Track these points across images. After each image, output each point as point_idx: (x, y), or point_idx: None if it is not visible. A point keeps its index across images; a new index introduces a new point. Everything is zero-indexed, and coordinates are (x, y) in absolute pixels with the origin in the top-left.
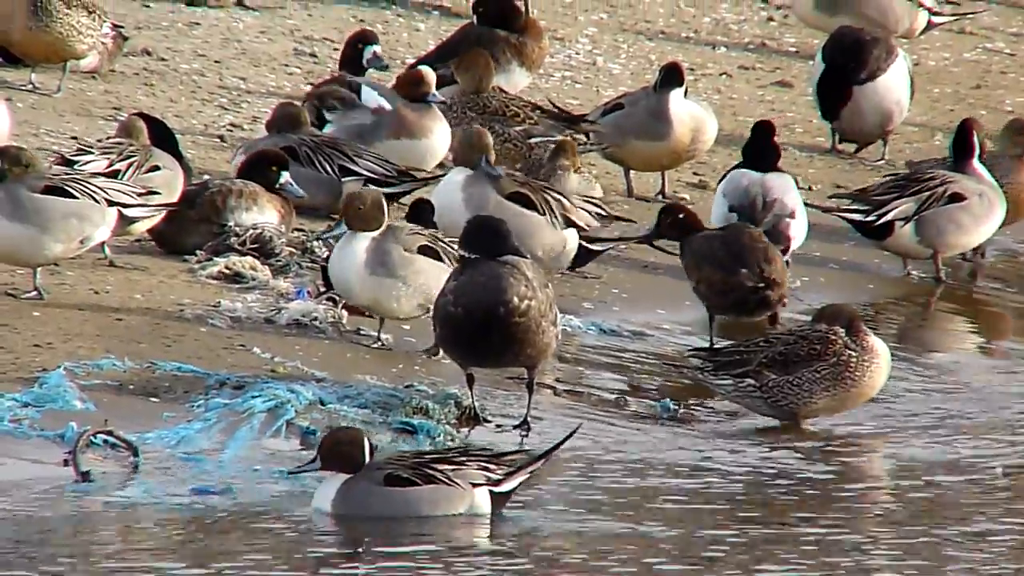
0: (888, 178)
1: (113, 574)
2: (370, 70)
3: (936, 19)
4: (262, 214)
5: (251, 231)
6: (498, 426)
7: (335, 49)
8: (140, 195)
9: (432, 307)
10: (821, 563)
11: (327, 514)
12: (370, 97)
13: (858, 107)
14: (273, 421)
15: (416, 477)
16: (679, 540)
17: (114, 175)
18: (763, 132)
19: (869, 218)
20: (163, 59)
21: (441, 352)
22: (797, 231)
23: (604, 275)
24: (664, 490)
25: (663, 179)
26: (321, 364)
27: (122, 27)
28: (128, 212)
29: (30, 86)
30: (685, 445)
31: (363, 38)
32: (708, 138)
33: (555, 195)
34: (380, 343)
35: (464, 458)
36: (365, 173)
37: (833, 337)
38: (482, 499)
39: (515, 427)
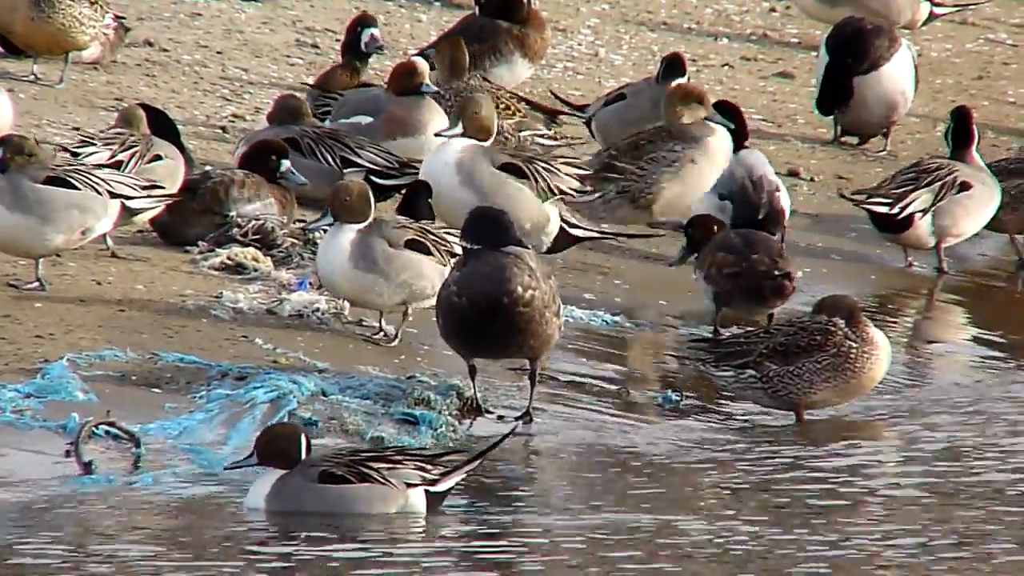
0: (897, 173)
1: (111, 562)
2: (370, 58)
3: (938, 10)
4: (264, 205)
5: (253, 222)
6: (500, 417)
7: (337, 40)
8: (143, 188)
9: (415, 302)
10: (828, 557)
11: (260, 510)
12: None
13: (861, 98)
14: (275, 412)
15: (350, 475)
16: (682, 533)
17: (117, 166)
18: (730, 113)
19: (894, 211)
20: (165, 50)
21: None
22: (786, 202)
23: (607, 266)
24: (664, 482)
25: None
26: (323, 355)
27: (124, 18)
28: (131, 204)
29: (32, 77)
30: (686, 437)
31: (362, 21)
32: None
33: (543, 164)
34: (383, 333)
35: (400, 457)
36: (367, 165)
37: (833, 328)
38: (417, 499)
39: (517, 418)
